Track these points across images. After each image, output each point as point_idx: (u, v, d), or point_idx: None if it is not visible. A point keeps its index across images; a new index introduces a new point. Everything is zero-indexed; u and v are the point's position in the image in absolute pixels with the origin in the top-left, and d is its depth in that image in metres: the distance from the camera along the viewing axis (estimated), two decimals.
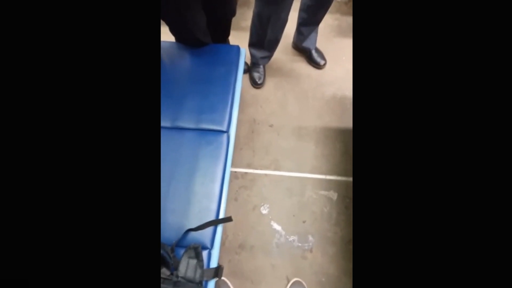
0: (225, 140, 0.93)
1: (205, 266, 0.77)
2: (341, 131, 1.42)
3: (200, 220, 0.81)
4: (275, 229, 1.21)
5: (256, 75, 1.48)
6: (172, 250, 0.75)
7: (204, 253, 0.79)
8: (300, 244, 1.18)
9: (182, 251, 0.76)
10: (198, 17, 1.02)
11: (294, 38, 1.59)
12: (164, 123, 0.95)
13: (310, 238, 1.19)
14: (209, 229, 0.82)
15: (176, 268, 0.73)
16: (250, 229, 1.20)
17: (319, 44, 1.60)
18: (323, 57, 1.57)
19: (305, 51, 1.57)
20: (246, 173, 1.31)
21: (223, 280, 1.08)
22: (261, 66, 1.49)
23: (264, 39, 1.30)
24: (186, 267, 0.73)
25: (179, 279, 0.71)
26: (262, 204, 1.25)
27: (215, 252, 0.82)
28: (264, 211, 1.24)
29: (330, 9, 1.36)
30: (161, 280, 0.70)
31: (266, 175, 1.31)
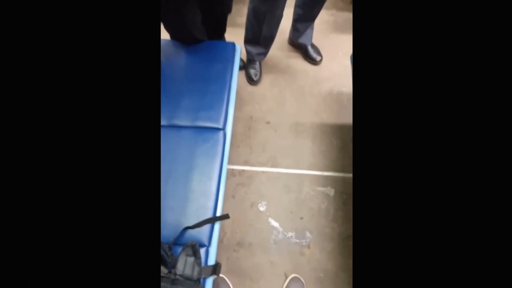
0: (221, 138, 0.92)
1: (203, 264, 0.77)
2: (338, 127, 1.42)
3: (197, 218, 0.81)
4: (273, 226, 1.21)
5: (252, 71, 1.48)
6: (170, 248, 0.75)
7: (202, 251, 0.79)
8: (298, 241, 1.18)
9: (179, 249, 0.76)
10: (194, 14, 1.01)
11: (290, 34, 1.58)
12: (160, 121, 0.95)
13: (308, 234, 1.19)
14: (207, 227, 0.82)
15: (174, 266, 0.73)
16: (248, 226, 1.20)
17: (315, 40, 1.59)
18: (319, 53, 1.56)
19: (301, 47, 1.57)
20: (243, 170, 1.31)
21: (222, 277, 1.08)
22: (257, 63, 1.49)
23: (259, 36, 1.29)
24: (184, 265, 0.73)
25: (177, 277, 0.71)
26: (260, 201, 1.25)
27: (213, 250, 0.82)
28: (262, 208, 1.24)
29: (326, 5, 1.36)
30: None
31: (263, 172, 1.31)
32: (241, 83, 1.51)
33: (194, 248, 0.74)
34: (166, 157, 0.87)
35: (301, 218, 1.22)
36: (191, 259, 0.74)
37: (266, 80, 1.54)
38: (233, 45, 1.12)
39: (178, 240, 0.78)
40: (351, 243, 1.17)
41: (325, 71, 1.58)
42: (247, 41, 1.38)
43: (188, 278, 0.72)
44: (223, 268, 1.11)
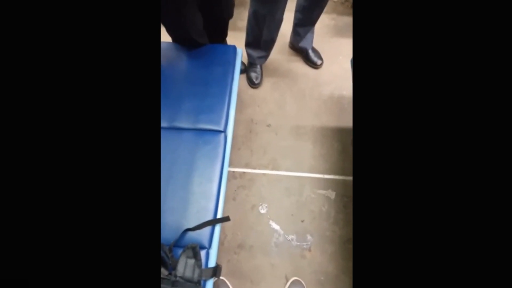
0: (222, 140, 0.93)
1: (203, 266, 0.77)
2: (338, 130, 1.42)
3: (198, 220, 0.81)
4: (273, 228, 1.21)
5: (253, 75, 1.49)
6: (170, 250, 0.75)
7: (202, 253, 0.79)
8: (298, 243, 1.18)
9: (180, 251, 0.76)
10: (195, 18, 1.02)
11: (290, 38, 1.59)
12: (161, 123, 0.95)
13: (309, 237, 1.19)
14: (207, 229, 0.82)
15: (174, 267, 0.73)
16: (248, 228, 1.20)
17: (316, 44, 1.61)
18: (320, 57, 1.57)
19: (302, 51, 1.58)
20: (244, 172, 1.31)
21: (222, 279, 1.08)
22: (258, 66, 1.50)
23: (260, 39, 1.31)
24: (184, 267, 0.73)
25: (177, 278, 0.71)
26: (261, 203, 1.25)
27: (213, 252, 0.82)
28: (263, 211, 1.24)
29: (326, 9, 1.37)
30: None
31: (264, 174, 1.31)
32: (242, 86, 1.52)
33: (195, 250, 0.74)
34: (166, 158, 0.88)
35: (302, 221, 1.22)
36: (191, 261, 0.74)
37: (267, 83, 1.55)
38: (234, 48, 1.13)
39: (178, 242, 0.78)
40: (352, 246, 1.16)
41: (326, 74, 1.59)
42: (248, 44, 1.40)
43: (188, 280, 0.72)
44: (223, 270, 1.10)
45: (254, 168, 1.32)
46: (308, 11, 1.35)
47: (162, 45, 1.13)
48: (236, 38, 1.48)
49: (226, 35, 1.36)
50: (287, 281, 1.10)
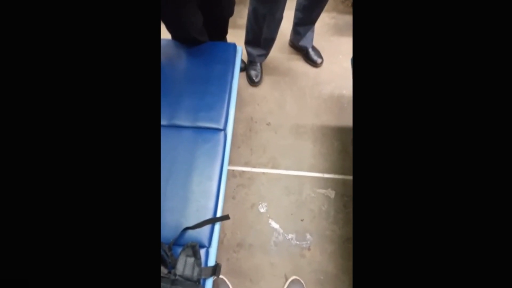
0: (222, 138, 0.92)
1: (203, 265, 0.76)
2: (338, 129, 1.42)
3: (197, 219, 0.81)
4: (273, 227, 1.20)
5: (253, 73, 1.48)
6: (170, 249, 0.74)
7: (202, 252, 0.78)
8: (298, 243, 1.18)
9: (179, 249, 0.76)
10: (195, 18, 1.01)
11: (290, 36, 1.59)
12: (161, 121, 0.95)
13: (308, 236, 1.19)
14: (207, 228, 0.81)
15: (173, 266, 0.72)
16: (248, 227, 1.20)
17: (316, 43, 1.60)
18: (320, 56, 1.57)
19: (302, 49, 1.57)
20: (243, 171, 1.31)
21: (222, 278, 1.08)
22: (258, 64, 1.49)
23: (260, 37, 1.30)
24: (184, 266, 0.72)
25: (177, 277, 0.71)
26: (260, 202, 1.25)
27: (213, 251, 0.82)
28: (262, 210, 1.23)
29: (326, 7, 1.36)
30: None
31: (264, 173, 1.31)
32: (242, 85, 1.51)
33: (194, 249, 0.74)
34: (166, 157, 0.87)
35: (302, 220, 1.22)
36: (191, 260, 0.73)
37: (267, 82, 1.54)
38: (234, 46, 1.12)
39: (178, 241, 0.78)
40: (351, 245, 1.16)
41: (326, 73, 1.58)
42: (248, 42, 1.39)
43: (188, 279, 0.71)
44: (223, 269, 1.10)
45: (254, 167, 1.32)
46: (308, 10, 1.34)
47: (161, 42, 1.12)
48: (236, 35, 1.47)
49: (226, 33, 1.35)
50: (286, 280, 1.10)
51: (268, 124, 1.43)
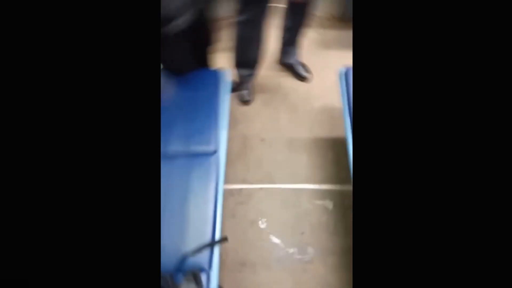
0: (215, 161, 0.95)
1: None
2: (332, 141, 1.45)
3: (196, 244, 0.82)
4: (274, 243, 1.21)
5: (244, 92, 1.53)
6: (171, 279, 0.75)
7: (203, 276, 0.79)
8: (300, 257, 1.18)
9: (180, 276, 0.77)
10: (184, 61, 1.07)
11: (278, 55, 1.64)
12: None
13: (310, 249, 1.20)
14: (206, 251, 0.82)
15: None
16: (250, 245, 1.20)
17: (304, 58, 1.65)
18: (308, 71, 1.62)
19: (290, 66, 1.63)
20: (241, 189, 1.33)
21: None
22: (248, 84, 1.54)
23: (246, 59, 1.36)
24: None
25: None
26: (260, 218, 1.26)
27: (214, 274, 0.82)
28: (262, 226, 1.24)
29: (312, 24, 1.43)
30: None
31: (261, 189, 1.33)
32: (234, 104, 1.55)
33: (195, 276, 0.75)
34: (161, 185, 0.89)
35: (302, 233, 1.23)
36: (193, 287, 0.74)
37: (258, 100, 1.58)
38: (218, 72, 1.17)
39: (178, 268, 0.79)
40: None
41: (316, 87, 1.62)
42: (236, 64, 1.44)
43: None
44: None
45: (251, 183, 1.34)
46: (293, 30, 1.41)
47: None
48: (225, 58, 1.52)
49: (212, 61, 1.40)
50: None
51: (262, 140, 1.45)
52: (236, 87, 1.57)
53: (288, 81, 1.65)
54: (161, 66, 1.19)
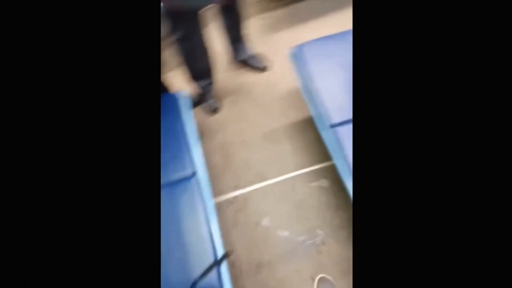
0: (195, 183, 0.95)
1: None
2: (307, 121, 1.45)
3: (202, 266, 0.83)
4: (283, 236, 1.22)
5: (209, 102, 1.52)
6: None
7: None
8: (312, 241, 1.19)
9: None
10: None
11: (229, 54, 1.63)
12: None
13: (319, 231, 1.21)
14: (214, 270, 0.83)
15: None
16: (260, 246, 1.21)
17: (256, 48, 1.64)
18: (262, 60, 1.61)
19: (244, 62, 1.61)
20: (236, 196, 1.33)
21: None
22: (211, 92, 1.53)
23: (199, 70, 1.35)
24: None
25: None
26: (263, 218, 1.27)
27: None
28: (267, 224, 1.25)
29: (255, 11, 1.41)
30: None
31: (255, 189, 1.33)
32: (202, 116, 1.54)
33: None
34: None
35: (307, 219, 1.24)
36: None
37: (225, 105, 1.57)
38: (172, 96, 1.17)
39: None
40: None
41: (276, 73, 1.61)
42: (191, 78, 1.43)
43: None
44: None
45: (244, 188, 1.34)
46: (233, 28, 1.40)
47: None
48: (179, 75, 1.51)
49: (166, 87, 1.39)
50: (313, 281, 1.11)
51: (242, 142, 1.45)
52: (201, 99, 1.55)
53: (249, 77, 1.64)
54: None
